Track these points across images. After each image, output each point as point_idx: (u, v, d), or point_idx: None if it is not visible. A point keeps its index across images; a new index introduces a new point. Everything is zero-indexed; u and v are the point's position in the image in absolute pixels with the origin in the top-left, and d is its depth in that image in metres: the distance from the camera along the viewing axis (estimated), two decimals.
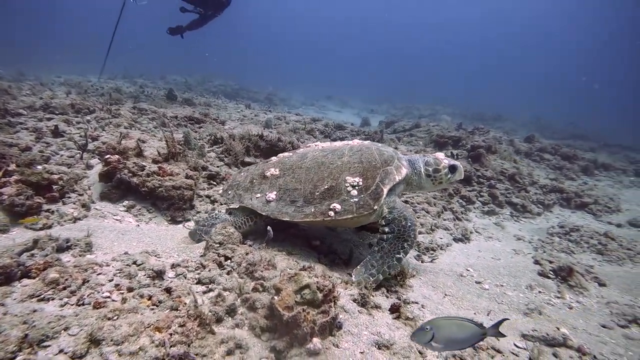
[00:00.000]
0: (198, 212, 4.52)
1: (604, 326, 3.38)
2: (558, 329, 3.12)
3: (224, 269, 2.83)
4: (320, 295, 2.30)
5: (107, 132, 6.35)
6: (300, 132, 8.71)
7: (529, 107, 34.52)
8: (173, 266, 2.87)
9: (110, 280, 2.52)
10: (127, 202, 4.30)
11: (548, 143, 11.91)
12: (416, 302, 3.18)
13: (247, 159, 5.96)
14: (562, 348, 2.91)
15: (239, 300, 2.37)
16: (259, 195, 3.60)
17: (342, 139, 9.08)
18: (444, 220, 5.42)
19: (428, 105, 26.65)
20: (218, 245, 3.11)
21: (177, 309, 2.21)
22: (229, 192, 3.85)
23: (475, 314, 3.24)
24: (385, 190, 3.27)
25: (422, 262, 4.26)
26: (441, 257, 4.46)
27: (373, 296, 2.87)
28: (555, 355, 2.81)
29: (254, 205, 3.54)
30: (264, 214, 3.47)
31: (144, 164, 4.53)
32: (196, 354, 1.90)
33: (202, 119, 8.14)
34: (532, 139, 11.88)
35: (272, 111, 12.87)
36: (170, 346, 1.90)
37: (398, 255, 3.15)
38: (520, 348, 2.79)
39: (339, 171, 3.40)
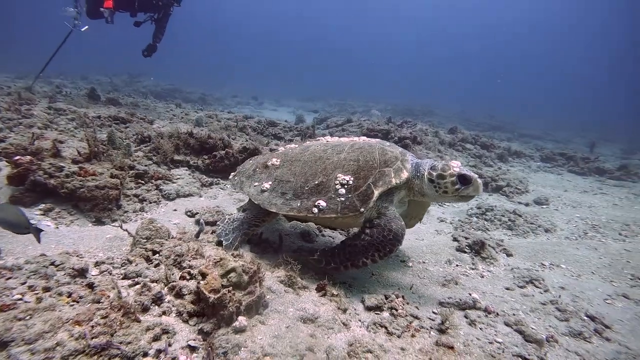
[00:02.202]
0: (125, 212, 4.36)
1: (507, 288, 3.85)
2: (470, 294, 3.51)
3: (151, 263, 2.80)
4: (246, 277, 2.39)
5: (16, 133, 5.84)
6: (233, 130, 8.65)
7: (457, 101, 37.31)
8: (97, 264, 2.79)
9: (23, 283, 2.38)
10: (43, 205, 4.02)
11: (469, 134, 12.97)
12: (344, 282, 3.38)
13: (176, 157, 5.83)
14: (472, 310, 3.27)
15: (165, 289, 2.38)
16: (256, 184, 3.56)
17: (275, 136, 9.22)
18: None
19: (361, 102, 27.63)
20: (145, 240, 3.07)
21: (99, 302, 2.18)
22: (236, 178, 3.85)
23: (399, 288, 3.50)
24: (377, 193, 3.06)
25: None
26: None
27: (302, 278, 3.01)
28: (465, 316, 3.16)
29: (250, 194, 3.51)
30: (256, 202, 3.43)
31: (62, 164, 4.26)
32: (120, 342, 1.90)
33: (129, 118, 7.76)
34: (455, 130, 12.88)
35: (203, 110, 12.58)
36: (92, 337, 1.88)
37: (365, 260, 3.02)
38: (437, 314, 3.09)
39: (333, 167, 3.28)
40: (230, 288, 2.26)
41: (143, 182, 5.01)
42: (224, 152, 6.06)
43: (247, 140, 7.08)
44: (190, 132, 6.20)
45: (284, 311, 2.43)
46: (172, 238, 3.27)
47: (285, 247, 3.93)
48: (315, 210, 3.10)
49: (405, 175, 3.21)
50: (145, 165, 5.38)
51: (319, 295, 2.82)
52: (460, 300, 3.35)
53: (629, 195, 10.04)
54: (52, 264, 2.66)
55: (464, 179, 3.14)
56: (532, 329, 3.08)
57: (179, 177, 5.55)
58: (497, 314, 3.25)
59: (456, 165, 3.22)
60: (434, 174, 3.19)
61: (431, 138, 10.47)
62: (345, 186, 3.13)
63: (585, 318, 3.42)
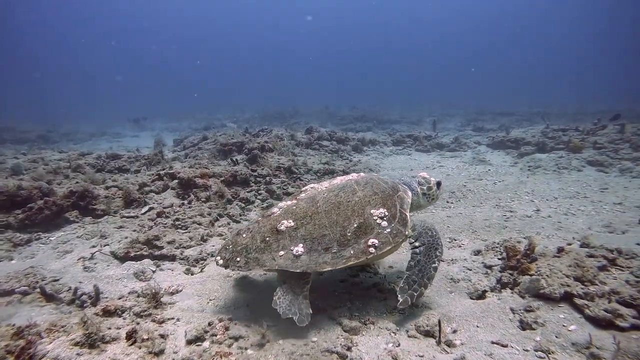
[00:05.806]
0: None
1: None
2: None
3: None
4: (11, 359, 2.10)
5: None
6: (64, 172, 7.67)
7: (322, 99, 39.59)
8: None
9: None
10: None
11: (325, 131, 13.79)
12: (172, 318, 3.21)
13: None
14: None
15: None
16: (282, 252, 3.12)
17: (120, 169, 8.51)
18: (219, 227, 5.58)
19: (228, 115, 27.37)
20: None
21: None
22: (238, 260, 3.21)
23: (235, 308, 3.46)
24: (408, 215, 3.43)
25: (192, 274, 4.32)
26: (212, 264, 4.54)
27: (109, 329, 2.78)
28: None
29: (282, 265, 3.06)
30: (298, 270, 3.05)
31: None
32: None
33: None
34: (311, 130, 13.58)
35: (26, 154, 10.92)
36: None
37: (434, 265, 3.24)
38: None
39: (361, 206, 3.34)
40: None
41: None
42: (43, 201, 5.31)
43: (76, 183, 6.32)
44: None
45: None
46: None
47: (115, 293, 3.64)
48: (372, 249, 3.15)
49: (410, 194, 3.69)
50: None
51: (128, 345, 2.63)
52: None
53: (459, 164, 11.85)
54: None
55: (439, 184, 3.93)
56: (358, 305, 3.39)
57: None
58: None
59: (429, 176, 3.92)
60: (425, 187, 3.84)
61: (286, 142, 10.82)
62: (385, 218, 3.30)
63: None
